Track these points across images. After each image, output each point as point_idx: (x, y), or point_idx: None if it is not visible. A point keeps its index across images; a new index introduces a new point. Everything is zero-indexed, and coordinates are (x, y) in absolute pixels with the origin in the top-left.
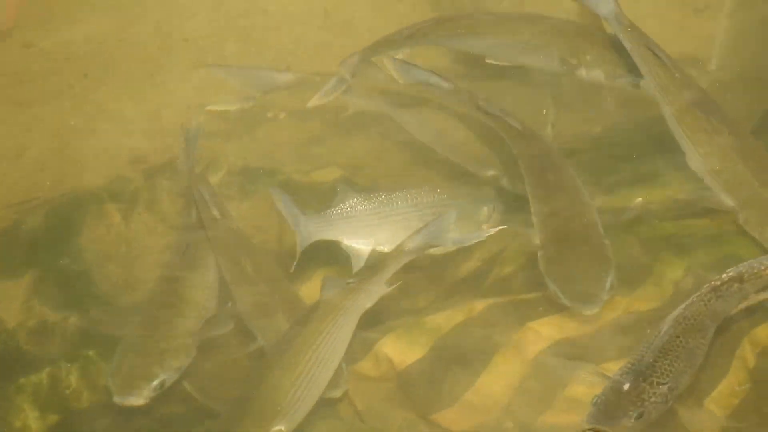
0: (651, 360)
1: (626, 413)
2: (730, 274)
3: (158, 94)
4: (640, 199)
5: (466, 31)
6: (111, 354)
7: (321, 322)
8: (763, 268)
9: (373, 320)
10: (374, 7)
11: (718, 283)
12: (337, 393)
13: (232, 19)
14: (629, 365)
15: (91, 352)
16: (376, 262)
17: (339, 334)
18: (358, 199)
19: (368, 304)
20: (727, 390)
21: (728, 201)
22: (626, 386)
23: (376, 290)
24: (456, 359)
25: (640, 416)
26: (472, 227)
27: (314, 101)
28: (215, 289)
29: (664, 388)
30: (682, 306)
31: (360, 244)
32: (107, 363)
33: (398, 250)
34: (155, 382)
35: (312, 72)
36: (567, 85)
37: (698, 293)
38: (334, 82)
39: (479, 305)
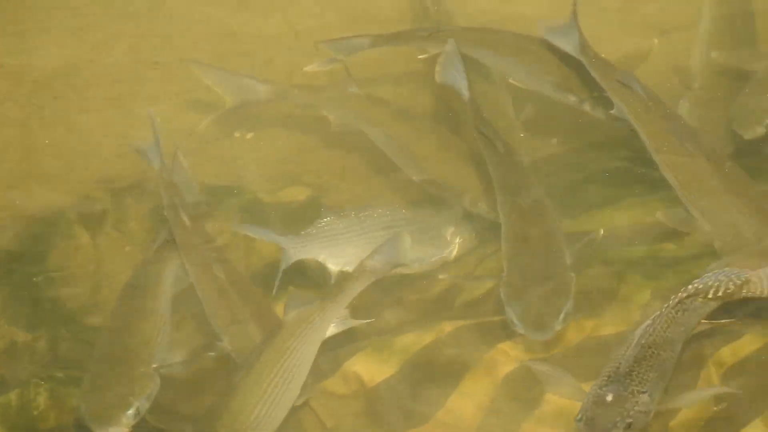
0: (627, 370)
1: (615, 425)
2: (697, 286)
3: (127, 116)
4: (602, 231)
5: (488, 46)
6: (80, 375)
7: (283, 343)
8: (728, 280)
9: (342, 339)
10: (343, 29)
11: (684, 295)
12: (298, 401)
13: (204, 43)
14: (606, 377)
15: (60, 374)
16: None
17: (299, 356)
18: (340, 218)
19: (329, 328)
20: (691, 411)
21: (705, 225)
22: (609, 397)
23: (335, 314)
24: (426, 379)
25: (628, 427)
26: (449, 246)
27: (311, 68)
28: (169, 315)
29: (645, 397)
30: (650, 318)
31: (343, 263)
32: (76, 384)
33: (358, 272)
34: (131, 411)
35: (291, 84)
36: (537, 105)
37: (666, 305)
38: (328, 59)
39: (449, 326)
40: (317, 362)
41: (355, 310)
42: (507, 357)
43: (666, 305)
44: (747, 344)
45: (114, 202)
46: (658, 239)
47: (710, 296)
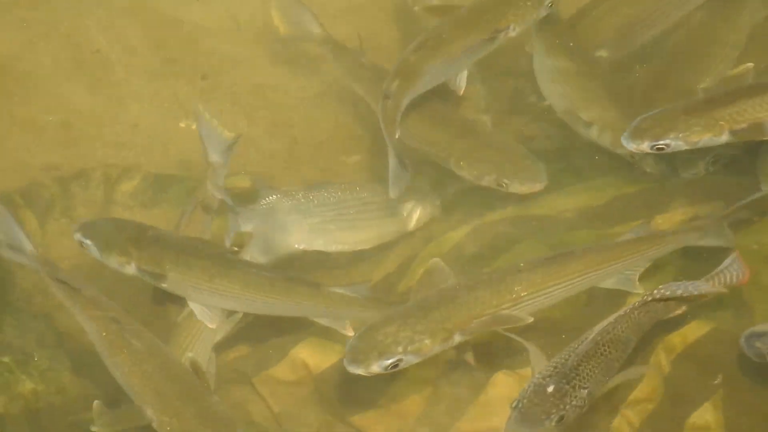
0: (575, 364)
1: (549, 416)
2: (664, 292)
3: (69, 105)
4: None
5: None
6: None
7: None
8: (696, 292)
9: (288, 327)
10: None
11: (649, 299)
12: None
13: (146, 31)
14: (552, 368)
15: (6, 359)
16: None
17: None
18: (282, 195)
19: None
20: (642, 395)
21: None
22: (550, 388)
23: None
24: None
25: (561, 419)
26: (398, 225)
27: None
28: None
29: (584, 392)
30: (613, 316)
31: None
32: (22, 371)
33: None
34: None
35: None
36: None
37: (630, 307)
38: None
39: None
40: (264, 349)
41: None
42: None
43: (631, 306)
44: (695, 330)
45: (61, 189)
46: (603, 224)
47: (673, 300)
